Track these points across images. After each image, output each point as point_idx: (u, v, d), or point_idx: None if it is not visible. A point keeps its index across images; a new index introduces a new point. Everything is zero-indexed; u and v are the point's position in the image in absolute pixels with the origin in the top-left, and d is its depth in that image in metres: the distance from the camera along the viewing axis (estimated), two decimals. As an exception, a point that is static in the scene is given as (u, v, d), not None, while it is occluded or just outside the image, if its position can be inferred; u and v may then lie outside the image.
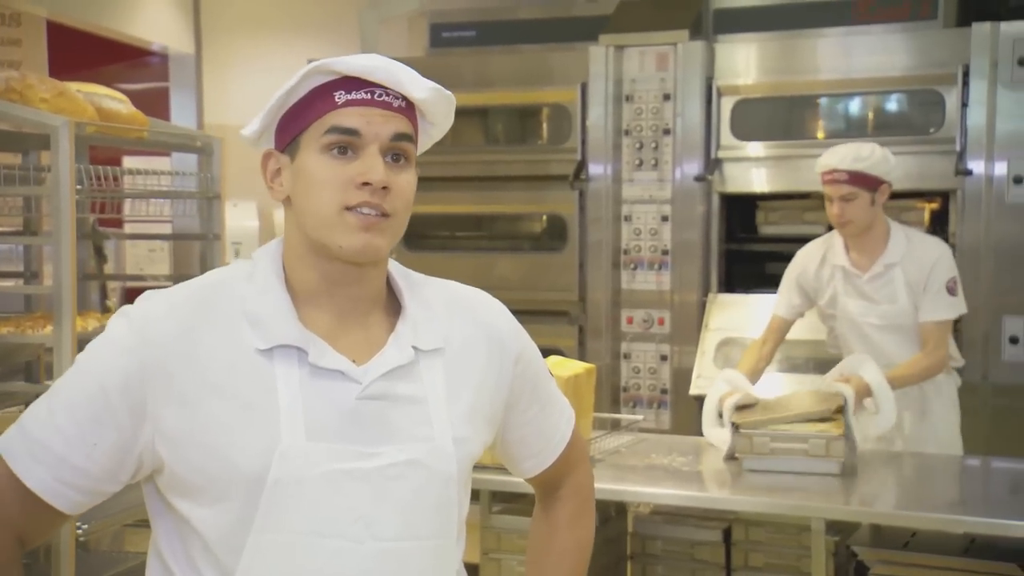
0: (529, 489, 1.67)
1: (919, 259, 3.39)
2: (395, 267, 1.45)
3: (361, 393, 1.32)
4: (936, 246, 3.45)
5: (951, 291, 3.38)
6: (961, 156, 4.03)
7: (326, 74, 1.34)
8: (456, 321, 1.43)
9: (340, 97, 1.32)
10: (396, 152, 1.34)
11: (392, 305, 1.42)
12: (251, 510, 1.28)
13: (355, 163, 1.32)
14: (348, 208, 1.31)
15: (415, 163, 1.38)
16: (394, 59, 1.37)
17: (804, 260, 3.59)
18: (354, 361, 1.34)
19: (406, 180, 1.35)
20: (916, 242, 3.44)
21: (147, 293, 1.36)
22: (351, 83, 1.33)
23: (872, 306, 3.45)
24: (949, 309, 3.39)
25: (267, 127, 1.39)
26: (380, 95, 1.33)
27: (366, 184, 1.30)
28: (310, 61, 1.37)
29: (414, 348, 1.37)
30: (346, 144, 1.32)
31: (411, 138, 1.36)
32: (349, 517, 1.30)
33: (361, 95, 1.32)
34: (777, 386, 4.19)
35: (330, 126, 1.32)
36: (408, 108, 1.36)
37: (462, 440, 1.37)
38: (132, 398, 1.29)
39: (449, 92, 1.40)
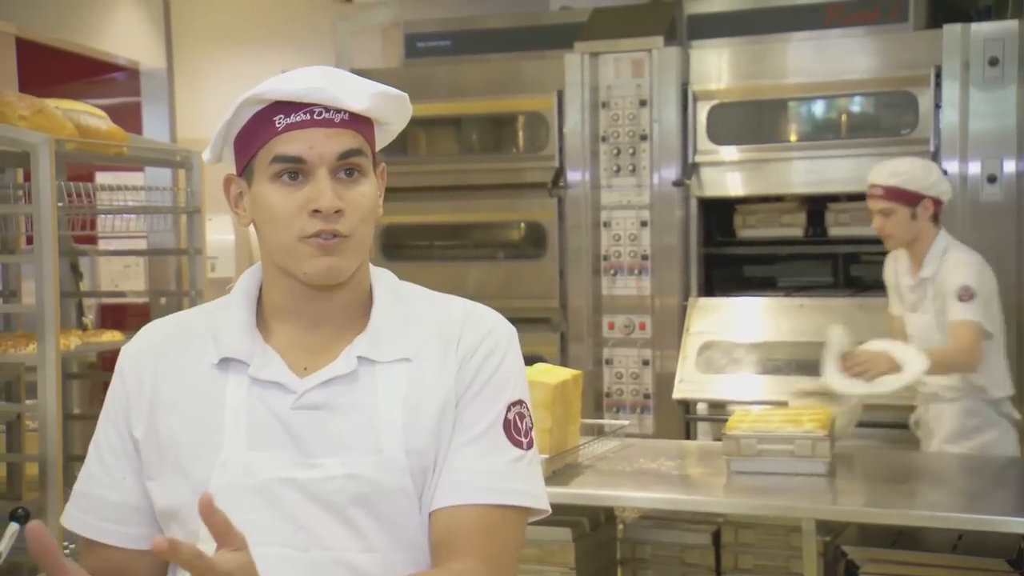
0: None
1: (944, 272, 3.42)
2: (384, 281, 1.42)
3: (295, 403, 1.33)
4: (962, 256, 3.45)
5: (961, 298, 3.36)
6: (935, 157, 4.07)
7: (262, 102, 1.32)
8: (434, 332, 1.38)
9: (280, 122, 1.30)
10: (347, 168, 1.32)
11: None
12: (198, 520, 1.26)
13: (305, 189, 1.30)
14: (305, 237, 1.30)
15: (373, 168, 1.36)
16: (366, 70, 1.35)
17: (890, 260, 3.68)
18: (304, 370, 1.34)
19: (360, 194, 1.32)
20: (949, 256, 3.45)
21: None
22: (290, 105, 1.31)
23: (911, 315, 3.56)
24: (961, 312, 3.36)
25: (222, 151, 1.39)
26: (320, 113, 1.30)
27: (317, 211, 1.29)
28: (283, 72, 1.37)
29: (364, 358, 1.34)
30: (294, 170, 1.31)
31: (361, 151, 1.33)
32: (288, 527, 1.30)
33: (300, 117, 1.30)
34: (759, 388, 4.21)
35: (274, 155, 1.31)
36: (354, 119, 1.33)
37: (420, 452, 1.32)
38: (125, 424, 1.38)
39: (397, 91, 1.36)
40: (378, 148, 1.40)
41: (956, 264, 3.44)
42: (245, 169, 1.35)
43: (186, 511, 1.31)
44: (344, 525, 1.30)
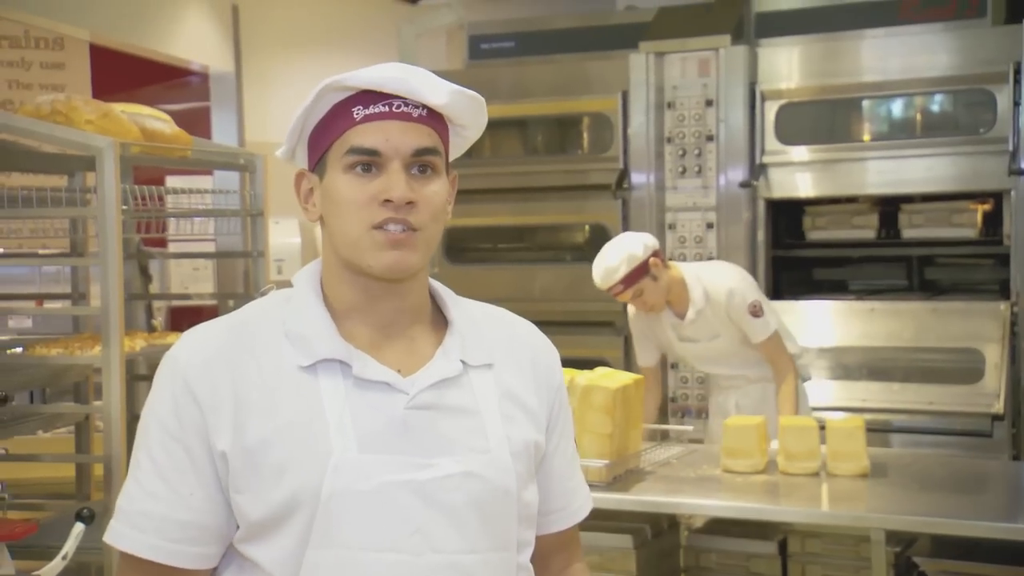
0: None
1: (714, 302, 3.50)
2: (442, 287, 1.43)
3: (409, 403, 1.30)
4: (723, 279, 3.53)
5: (754, 315, 3.48)
6: (1014, 156, 3.95)
7: (343, 90, 1.31)
8: (503, 341, 1.41)
9: (358, 113, 1.30)
10: (421, 165, 1.31)
11: (437, 320, 1.40)
12: (307, 528, 1.26)
13: (378, 180, 1.30)
14: (375, 227, 1.29)
15: (445, 172, 1.35)
16: (430, 71, 1.34)
17: (638, 318, 3.69)
18: (399, 371, 1.32)
19: (433, 191, 1.32)
20: (707, 284, 3.52)
21: (187, 331, 1.37)
22: (369, 96, 1.30)
23: (699, 345, 3.60)
24: (763, 329, 3.49)
25: (296, 147, 1.37)
26: (399, 106, 1.30)
27: (389, 201, 1.28)
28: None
29: (462, 362, 1.35)
30: (368, 163, 1.30)
31: (436, 150, 1.33)
32: (405, 530, 1.27)
33: (379, 108, 1.30)
34: (829, 394, 4.12)
35: (350, 146, 1.30)
36: (431, 116, 1.33)
37: (518, 455, 1.35)
38: (198, 437, 1.29)
39: (474, 93, 1.36)
40: (453, 156, 1.40)
41: (721, 285, 3.50)
42: (318, 164, 1.34)
43: (289, 520, 1.26)
44: (455, 527, 1.29)
